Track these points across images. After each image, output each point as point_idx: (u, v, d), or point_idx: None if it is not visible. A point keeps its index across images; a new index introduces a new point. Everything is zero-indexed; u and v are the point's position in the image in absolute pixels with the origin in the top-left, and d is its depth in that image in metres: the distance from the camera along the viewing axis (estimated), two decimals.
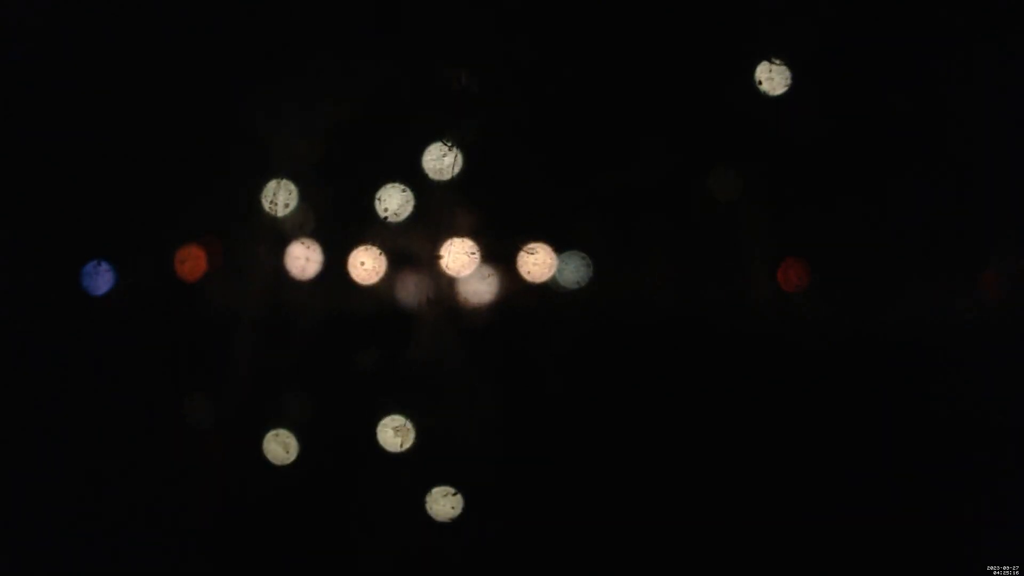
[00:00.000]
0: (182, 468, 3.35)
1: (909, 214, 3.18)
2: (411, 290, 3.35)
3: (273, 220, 3.41)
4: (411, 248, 3.35)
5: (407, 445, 3.31)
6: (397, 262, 3.36)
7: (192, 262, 3.43)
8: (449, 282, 3.29)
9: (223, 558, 3.30)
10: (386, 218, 3.32)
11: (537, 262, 3.30)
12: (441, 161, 3.29)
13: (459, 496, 3.24)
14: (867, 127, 3.22)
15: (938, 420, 3.09)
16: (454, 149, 3.27)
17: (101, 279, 3.41)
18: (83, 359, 3.40)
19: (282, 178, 3.40)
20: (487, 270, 3.31)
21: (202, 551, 3.31)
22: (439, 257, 3.28)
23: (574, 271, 3.30)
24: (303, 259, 3.40)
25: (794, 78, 3.19)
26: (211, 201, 3.46)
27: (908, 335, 3.16)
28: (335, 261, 3.39)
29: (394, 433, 3.31)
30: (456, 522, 3.23)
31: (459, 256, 3.28)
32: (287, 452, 3.36)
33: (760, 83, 3.20)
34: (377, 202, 3.33)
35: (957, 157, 3.15)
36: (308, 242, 3.40)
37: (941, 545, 3.07)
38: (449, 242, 3.28)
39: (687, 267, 3.29)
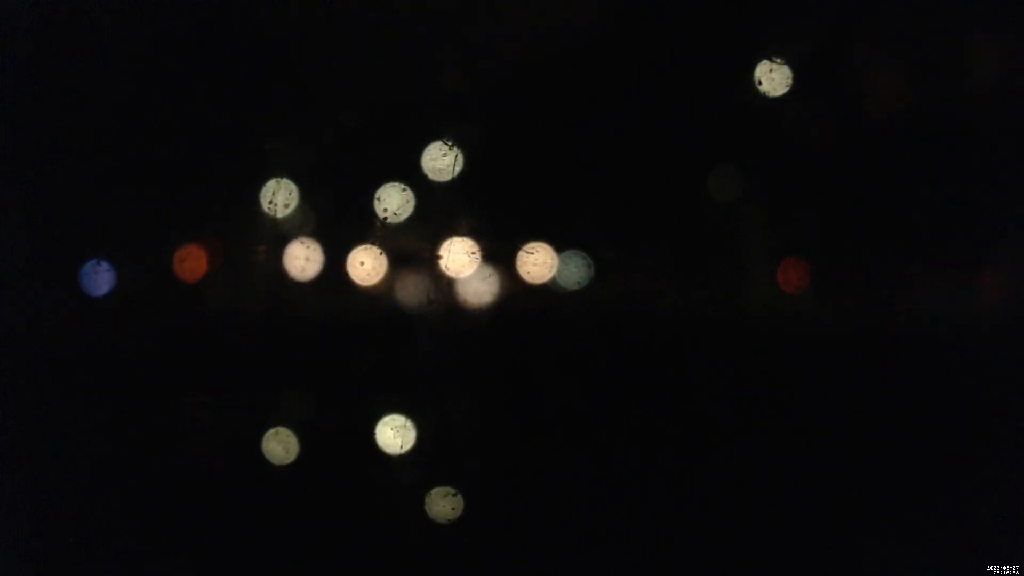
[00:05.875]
0: (182, 468, 3.35)
1: (909, 214, 3.18)
2: (411, 290, 3.35)
3: (273, 220, 3.41)
4: (411, 248, 3.35)
5: (407, 445, 3.31)
6: (397, 262, 3.36)
7: (192, 262, 3.43)
8: (449, 282, 3.29)
9: (223, 558, 3.30)
10: (386, 218, 3.32)
11: (537, 262, 3.30)
12: (441, 161, 3.29)
13: (459, 496, 3.24)
14: (867, 127, 3.22)
15: (938, 420, 3.09)
16: (454, 149, 3.27)
17: (101, 279, 3.41)
18: (83, 359, 3.40)
19: (282, 178, 3.40)
20: (487, 270, 3.31)
21: (202, 551, 3.31)
22: (439, 257, 3.28)
23: (574, 271, 3.30)
24: (303, 259, 3.40)
25: (794, 78, 3.19)
26: (211, 201, 3.46)
27: (908, 335, 3.16)
28: (335, 261, 3.39)
29: (394, 433, 3.31)
30: (456, 522, 3.23)
31: (459, 256, 3.28)
32: (287, 452, 3.36)
33: (760, 83, 3.20)
34: (377, 202, 3.33)
35: (958, 157, 3.15)
36: (308, 242, 3.40)
37: (941, 545, 3.07)
38: (449, 242, 3.28)
39: (687, 267, 3.29)
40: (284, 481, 3.33)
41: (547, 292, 3.30)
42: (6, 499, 3.33)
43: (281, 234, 3.42)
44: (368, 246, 3.35)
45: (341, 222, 3.44)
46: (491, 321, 3.31)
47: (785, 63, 3.19)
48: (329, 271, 3.40)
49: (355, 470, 3.32)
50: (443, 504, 3.24)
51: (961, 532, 3.06)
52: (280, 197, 3.39)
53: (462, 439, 3.29)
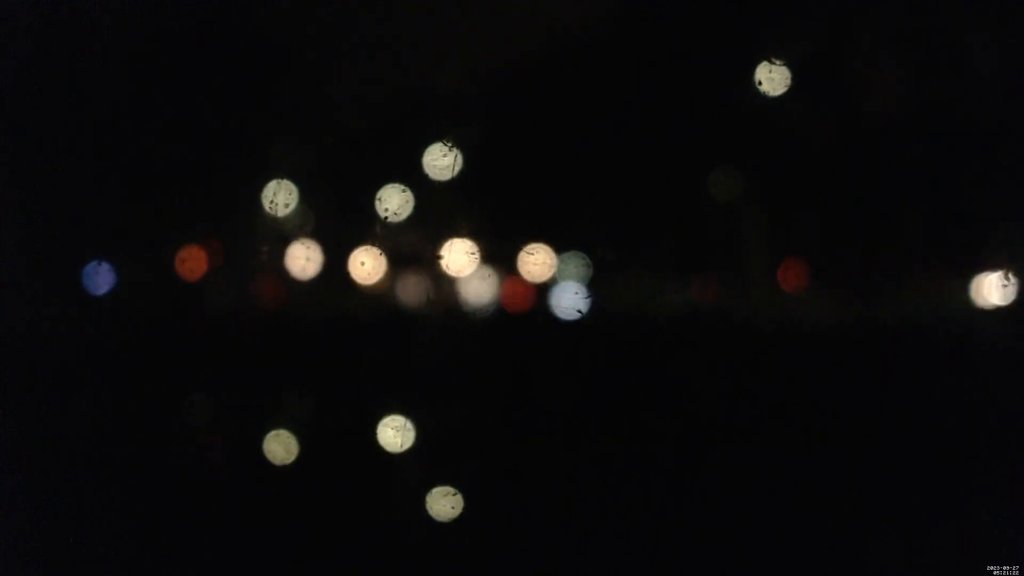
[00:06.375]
0: (182, 468, 3.35)
1: (909, 214, 3.18)
2: (411, 290, 3.35)
3: (273, 220, 3.41)
4: (411, 248, 3.36)
5: (407, 445, 3.31)
6: (397, 262, 3.36)
7: (192, 262, 3.43)
8: (449, 282, 3.29)
9: (223, 558, 3.30)
10: (386, 218, 3.32)
11: (537, 262, 3.30)
12: (441, 161, 3.29)
13: (459, 496, 3.24)
14: (867, 127, 3.22)
15: (938, 420, 3.09)
16: (454, 150, 3.27)
17: (101, 279, 3.41)
18: (83, 359, 3.40)
19: (282, 178, 3.40)
20: (487, 270, 3.31)
21: (202, 551, 3.31)
22: (439, 257, 3.28)
23: (574, 271, 3.30)
24: (303, 259, 3.40)
25: (794, 78, 3.19)
26: (212, 201, 3.46)
27: (908, 334, 3.17)
28: (335, 261, 3.39)
29: (394, 433, 3.31)
30: (456, 522, 3.23)
31: (459, 256, 3.28)
32: (287, 452, 3.36)
33: (760, 83, 3.20)
34: (377, 202, 3.33)
35: (957, 157, 3.16)
36: (308, 242, 3.40)
37: (941, 545, 3.07)
38: (449, 242, 3.28)
39: (687, 267, 3.29)
40: (284, 481, 3.33)
41: (547, 292, 3.30)
42: (6, 499, 3.33)
43: (281, 234, 3.42)
44: (368, 246, 3.36)
45: (341, 222, 3.44)
46: (491, 321, 3.31)
47: (785, 64, 3.19)
48: (329, 271, 3.40)
49: (355, 470, 3.32)
50: (443, 504, 3.24)
51: (961, 532, 3.06)
52: (280, 197, 3.39)
53: (462, 439, 3.29)
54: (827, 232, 3.23)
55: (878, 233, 3.20)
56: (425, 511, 3.24)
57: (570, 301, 3.26)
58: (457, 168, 3.27)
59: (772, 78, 3.20)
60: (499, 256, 3.31)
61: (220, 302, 3.45)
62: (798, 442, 3.15)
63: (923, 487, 3.09)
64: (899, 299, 3.19)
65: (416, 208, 3.34)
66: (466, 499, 3.24)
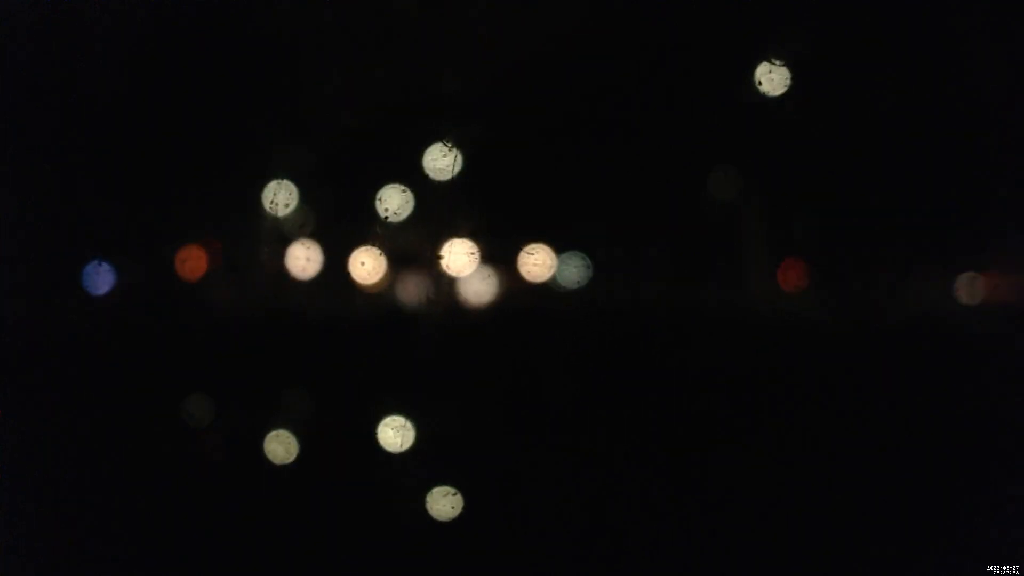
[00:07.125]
0: (182, 467, 3.35)
1: (908, 214, 3.19)
2: (411, 290, 3.35)
3: (273, 220, 3.41)
4: (411, 248, 3.36)
5: (407, 445, 3.31)
6: (397, 262, 3.36)
7: (192, 262, 3.44)
8: (449, 282, 3.30)
9: (223, 558, 3.30)
10: (386, 218, 3.32)
11: (537, 262, 3.30)
12: (441, 161, 3.29)
13: (459, 496, 3.24)
14: (866, 127, 3.22)
15: (938, 419, 3.09)
16: (454, 150, 3.27)
17: (101, 279, 3.42)
18: (83, 359, 3.40)
19: (283, 178, 3.40)
20: (487, 270, 3.31)
21: (203, 551, 3.31)
22: (439, 257, 3.28)
23: (574, 271, 3.30)
24: (303, 259, 3.41)
25: (794, 78, 3.20)
26: (212, 201, 3.46)
27: (908, 334, 3.17)
28: (335, 261, 3.40)
29: (394, 433, 3.31)
30: (456, 522, 3.23)
31: (459, 256, 3.28)
32: (287, 452, 3.36)
33: (760, 83, 3.20)
34: (377, 202, 3.33)
35: (957, 156, 3.16)
36: (308, 242, 3.40)
37: (941, 545, 3.07)
38: (449, 242, 3.28)
39: (687, 267, 3.29)
40: (284, 481, 3.33)
41: (547, 292, 3.30)
42: (6, 499, 3.33)
43: (281, 234, 3.42)
44: (368, 246, 3.36)
45: (341, 222, 3.44)
46: (491, 321, 3.31)
47: (785, 64, 3.19)
48: (329, 271, 3.40)
49: (355, 470, 3.32)
50: (443, 504, 3.24)
51: (961, 532, 3.06)
52: (280, 197, 3.40)
53: (462, 439, 3.29)
54: (827, 232, 3.23)
55: (878, 233, 3.20)
56: (425, 511, 3.24)
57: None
58: (457, 168, 3.27)
59: (772, 78, 3.20)
60: (499, 256, 3.31)
61: (220, 302, 3.45)
62: (798, 442, 3.15)
63: (923, 487, 3.09)
64: (898, 299, 3.19)
65: (416, 208, 3.34)
66: (466, 499, 3.24)
